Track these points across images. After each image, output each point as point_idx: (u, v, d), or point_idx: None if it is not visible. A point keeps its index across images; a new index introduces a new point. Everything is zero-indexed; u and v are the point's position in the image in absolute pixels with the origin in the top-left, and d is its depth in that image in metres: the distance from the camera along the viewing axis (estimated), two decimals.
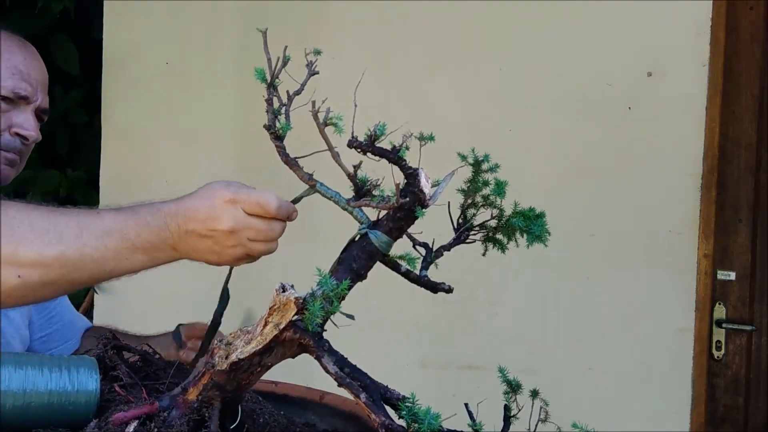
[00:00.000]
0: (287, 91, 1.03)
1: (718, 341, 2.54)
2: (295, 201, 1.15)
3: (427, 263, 1.03)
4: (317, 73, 1.01)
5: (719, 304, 2.55)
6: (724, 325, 2.54)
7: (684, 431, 2.54)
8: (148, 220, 1.12)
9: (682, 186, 2.56)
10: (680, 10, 2.55)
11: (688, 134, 2.55)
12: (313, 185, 1.09)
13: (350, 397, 0.94)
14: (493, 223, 1.03)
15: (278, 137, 1.04)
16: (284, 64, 1.02)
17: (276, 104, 1.04)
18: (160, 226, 1.11)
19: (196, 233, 1.10)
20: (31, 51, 1.51)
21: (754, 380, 2.53)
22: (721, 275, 2.55)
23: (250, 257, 1.11)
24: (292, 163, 1.06)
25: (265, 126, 1.05)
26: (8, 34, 1.50)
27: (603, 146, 2.63)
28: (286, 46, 1.02)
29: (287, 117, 1.03)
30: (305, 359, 1.00)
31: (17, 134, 1.45)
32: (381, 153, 0.97)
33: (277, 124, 1.04)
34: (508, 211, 1.03)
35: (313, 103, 0.96)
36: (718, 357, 2.54)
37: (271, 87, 1.03)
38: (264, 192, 1.10)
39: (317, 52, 1.01)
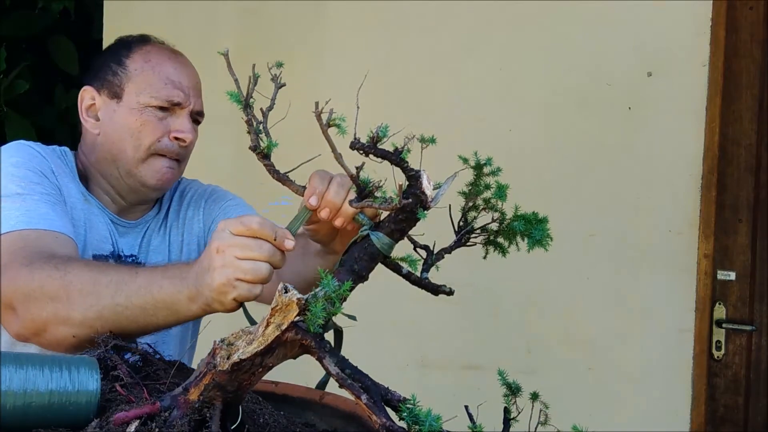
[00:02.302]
0: (261, 109, 1.03)
1: (718, 341, 2.54)
2: (292, 228, 1.14)
3: (428, 265, 1.03)
4: (284, 85, 1.01)
5: (719, 304, 2.55)
6: (724, 325, 2.54)
7: (684, 431, 2.54)
8: (172, 273, 1.20)
9: (682, 186, 2.56)
10: (680, 10, 2.55)
11: (688, 134, 2.55)
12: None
13: (351, 397, 0.94)
14: (494, 226, 1.03)
15: (265, 156, 1.04)
16: (255, 82, 1.02)
17: (254, 124, 1.03)
18: (180, 277, 1.18)
19: (201, 269, 1.14)
20: (181, 59, 1.61)
21: (754, 380, 2.54)
22: (721, 275, 2.55)
23: (243, 282, 1.10)
24: (283, 179, 1.07)
25: (250, 148, 1.05)
26: (159, 46, 1.61)
27: (603, 146, 2.63)
28: (254, 65, 1.02)
29: (267, 134, 1.03)
30: (305, 359, 1.00)
31: (175, 138, 1.55)
32: (383, 155, 0.97)
33: (261, 144, 1.04)
34: (509, 214, 1.03)
35: (316, 104, 0.96)
36: (718, 357, 2.55)
37: (247, 107, 1.02)
38: (248, 215, 1.15)
39: (279, 65, 1.01)
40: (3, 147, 1.49)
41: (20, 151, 1.47)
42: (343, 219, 1.12)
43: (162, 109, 1.54)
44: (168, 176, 1.57)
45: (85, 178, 1.58)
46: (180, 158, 1.58)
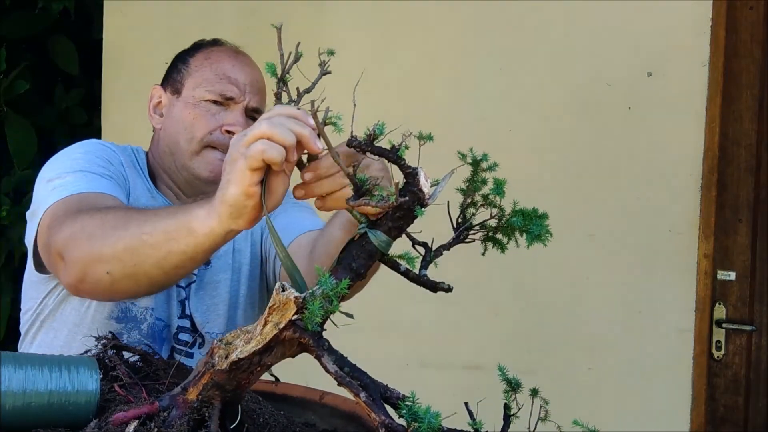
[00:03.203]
0: (297, 88, 1.04)
1: (718, 341, 2.54)
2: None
3: (426, 263, 1.02)
4: (329, 72, 1.02)
5: (719, 304, 2.55)
6: (724, 325, 2.54)
7: (684, 431, 2.54)
8: (198, 199, 1.20)
9: (682, 186, 2.56)
10: (680, 10, 2.55)
11: (688, 134, 2.55)
12: None
13: (350, 396, 0.94)
14: (492, 222, 1.03)
15: None
16: (296, 59, 1.02)
17: (285, 99, 1.04)
18: (204, 200, 1.16)
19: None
20: (242, 58, 1.65)
21: (754, 380, 2.53)
22: (721, 275, 2.55)
23: (243, 141, 1.06)
24: None
25: None
26: (223, 47, 1.67)
27: (603, 146, 2.63)
28: (299, 42, 1.03)
29: None
30: (305, 359, 1.00)
31: (227, 131, 1.57)
32: (380, 152, 0.96)
33: None
34: (508, 211, 1.02)
35: (312, 102, 0.96)
36: (718, 357, 2.55)
37: (281, 82, 1.03)
38: None
39: (330, 53, 1.01)
40: (78, 142, 1.59)
41: (91, 145, 1.58)
42: (330, 203, 1.10)
43: (216, 103, 1.58)
44: (220, 169, 1.58)
45: (153, 175, 1.65)
46: None
